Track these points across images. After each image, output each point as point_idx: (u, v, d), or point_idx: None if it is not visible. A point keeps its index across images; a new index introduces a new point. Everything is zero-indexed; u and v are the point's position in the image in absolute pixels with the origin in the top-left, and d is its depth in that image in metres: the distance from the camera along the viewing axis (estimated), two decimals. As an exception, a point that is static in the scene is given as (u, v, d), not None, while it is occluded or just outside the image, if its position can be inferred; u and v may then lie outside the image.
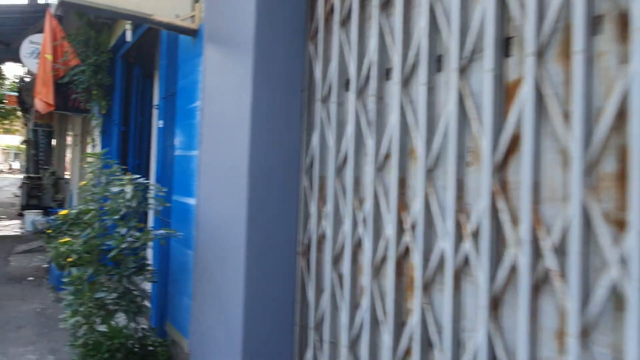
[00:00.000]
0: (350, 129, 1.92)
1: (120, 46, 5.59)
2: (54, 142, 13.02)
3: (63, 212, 2.72)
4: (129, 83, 5.66)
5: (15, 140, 44.55)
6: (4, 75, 13.07)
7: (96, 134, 6.50)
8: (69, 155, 9.11)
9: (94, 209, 2.59)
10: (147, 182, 2.48)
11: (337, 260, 1.97)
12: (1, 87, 16.47)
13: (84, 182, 2.72)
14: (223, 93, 2.42)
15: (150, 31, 4.59)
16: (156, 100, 4.55)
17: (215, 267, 2.34)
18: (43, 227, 9.39)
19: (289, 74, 2.18)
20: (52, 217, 10.21)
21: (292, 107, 2.18)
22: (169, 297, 3.18)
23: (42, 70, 6.07)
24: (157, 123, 3.86)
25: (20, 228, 9.71)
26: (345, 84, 2.01)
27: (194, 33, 3.01)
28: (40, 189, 11.65)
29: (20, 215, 11.45)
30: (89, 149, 7.23)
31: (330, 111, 2.04)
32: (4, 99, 17.41)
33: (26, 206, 11.55)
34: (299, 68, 2.20)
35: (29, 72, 9.40)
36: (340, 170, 1.99)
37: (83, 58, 5.63)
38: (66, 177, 9.51)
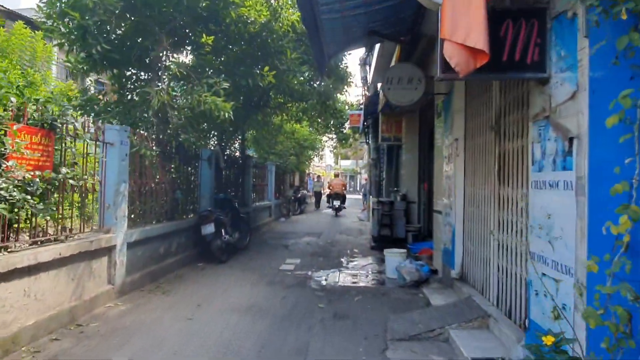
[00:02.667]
0: None
1: None
2: (404, 157, 10.77)
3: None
4: None
5: (348, 163, 49.79)
6: (351, 81, 11.56)
7: (569, 118, 2.93)
8: (448, 172, 6.05)
9: None
10: None
11: None
12: (346, 107, 15.92)
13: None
14: None
15: None
16: None
17: None
18: (412, 279, 6.71)
19: None
20: (420, 262, 7.47)
21: None
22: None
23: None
24: None
25: (379, 272, 7.32)
26: None
27: None
28: (392, 216, 9.41)
29: (373, 249, 9.49)
30: (514, 160, 3.78)
31: None
32: (345, 123, 17.03)
33: (378, 238, 9.50)
34: None
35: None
36: None
37: None
38: (440, 204, 6.55)
